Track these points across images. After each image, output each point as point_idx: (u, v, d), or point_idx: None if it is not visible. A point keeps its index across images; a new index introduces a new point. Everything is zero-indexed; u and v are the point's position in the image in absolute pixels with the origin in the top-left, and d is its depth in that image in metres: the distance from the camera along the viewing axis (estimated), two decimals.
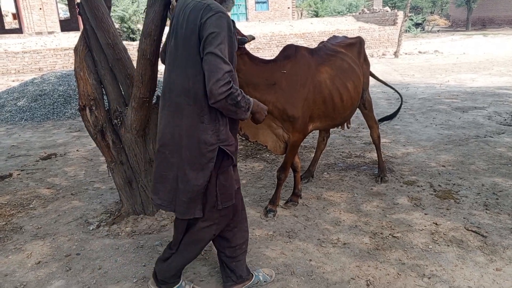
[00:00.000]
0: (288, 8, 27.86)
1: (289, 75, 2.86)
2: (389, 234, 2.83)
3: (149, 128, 3.17)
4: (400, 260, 2.53)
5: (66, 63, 13.83)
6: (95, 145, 5.49)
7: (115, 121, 3.07)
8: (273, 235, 2.92)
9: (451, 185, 3.61)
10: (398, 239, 2.77)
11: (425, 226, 2.92)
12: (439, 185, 3.62)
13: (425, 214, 3.10)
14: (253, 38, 2.90)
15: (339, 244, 2.76)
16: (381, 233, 2.84)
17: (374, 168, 4.10)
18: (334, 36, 3.65)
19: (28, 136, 6.01)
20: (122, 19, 16.18)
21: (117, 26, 16.85)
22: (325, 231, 2.93)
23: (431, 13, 42.86)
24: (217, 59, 1.77)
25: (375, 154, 4.45)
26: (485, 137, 4.96)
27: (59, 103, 7.40)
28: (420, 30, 29.44)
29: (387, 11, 20.05)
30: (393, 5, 37.18)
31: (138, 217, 3.26)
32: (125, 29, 16.25)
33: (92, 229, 3.14)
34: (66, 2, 29.42)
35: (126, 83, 3.02)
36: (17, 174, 4.42)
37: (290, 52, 2.99)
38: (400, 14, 18.96)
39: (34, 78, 8.97)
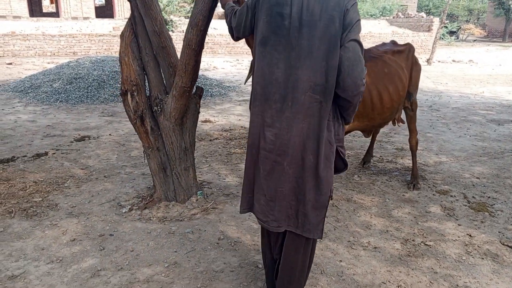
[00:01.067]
0: None
1: None
2: (421, 242, 2.79)
3: (187, 117, 3.22)
4: (432, 268, 2.49)
5: (100, 49, 14.12)
6: (127, 130, 5.65)
7: (155, 108, 3.12)
8: None
9: (485, 197, 3.53)
10: (430, 247, 2.73)
11: (458, 237, 2.87)
12: (473, 197, 3.54)
13: (458, 225, 3.04)
14: None
15: (369, 247, 2.73)
16: (413, 240, 2.80)
17: (406, 174, 4.04)
18: (383, 43, 3.67)
19: (62, 117, 6.18)
20: None
21: None
22: (355, 234, 2.91)
23: (467, 21, 41.82)
24: (359, 47, 1.68)
25: (407, 160, 4.41)
26: None
27: (93, 87, 7.57)
28: (455, 39, 28.75)
29: (423, 17, 19.66)
30: (427, 11, 36.42)
31: (169, 204, 3.31)
32: None
33: (125, 212, 3.21)
34: None
35: (168, 72, 3.07)
36: (53, 153, 4.55)
37: None
38: (436, 20, 18.56)
39: (70, 61, 9.21)
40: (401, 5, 31.74)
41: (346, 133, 3.20)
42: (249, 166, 1.91)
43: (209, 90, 8.36)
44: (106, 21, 18.38)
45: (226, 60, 15.18)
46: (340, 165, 1.91)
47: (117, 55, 13.31)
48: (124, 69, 3.03)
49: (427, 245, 2.76)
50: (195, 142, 3.42)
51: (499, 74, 12.65)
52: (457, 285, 2.34)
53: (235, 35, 2.00)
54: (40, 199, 3.39)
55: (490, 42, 29.09)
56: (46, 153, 4.54)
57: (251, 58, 11.71)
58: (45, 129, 5.55)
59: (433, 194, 3.59)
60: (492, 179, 3.95)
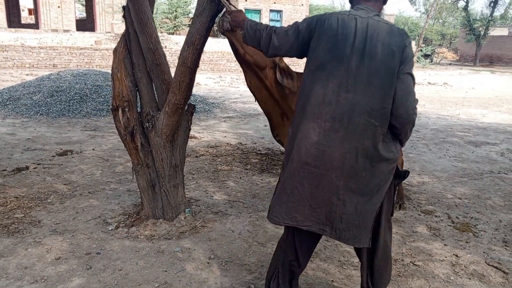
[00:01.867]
0: None
1: None
2: (410, 262, 2.83)
3: (178, 134, 3.20)
4: None
5: (81, 63, 13.95)
6: (110, 145, 5.57)
7: (147, 124, 3.10)
8: None
9: (468, 218, 3.62)
10: (419, 267, 2.77)
11: (445, 257, 2.92)
12: (456, 217, 3.63)
13: (444, 245, 3.11)
14: None
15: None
16: (402, 260, 2.84)
17: None
18: None
19: (43, 131, 6.03)
20: None
21: None
22: (345, 253, 2.93)
23: (440, 45, 43.49)
24: (412, 80, 1.89)
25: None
26: (499, 173, 4.99)
27: (74, 101, 7.45)
28: (429, 62, 29.79)
29: None
30: None
31: (157, 222, 3.25)
32: None
33: (111, 229, 3.13)
34: (83, 3, 29.83)
35: (161, 88, 3.06)
36: (34, 168, 4.43)
37: None
38: (412, 43, 19.18)
39: (51, 73, 9.06)
40: None
41: None
42: (287, 180, 2.01)
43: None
44: (87, 34, 18.22)
45: (209, 76, 15.23)
46: (401, 174, 2.07)
47: (99, 69, 13.21)
48: (116, 84, 3.01)
49: (416, 265, 2.80)
50: None
51: (473, 97, 13.14)
52: None
53: (273, 53, 2.12)
54: (22, 215, 3.28)
55: (462, 66, 30.28)
56: (27, 168, 4.42)
57: (233, 75, 11.79)
58: (25, 142, 5.41)
59: (419, 214, 3.66)
60: (474, 199, 4.07)
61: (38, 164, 4.54)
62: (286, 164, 2.03)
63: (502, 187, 4.45)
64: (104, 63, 14.26)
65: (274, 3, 27.64)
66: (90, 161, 4.79)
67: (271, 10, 27.10)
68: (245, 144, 5.88)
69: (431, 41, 41.12)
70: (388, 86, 1.84)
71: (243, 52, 2.74)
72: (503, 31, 36.90)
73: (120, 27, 20.32)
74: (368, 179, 1.90)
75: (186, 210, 3.41)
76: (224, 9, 2.65)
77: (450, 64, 32.29)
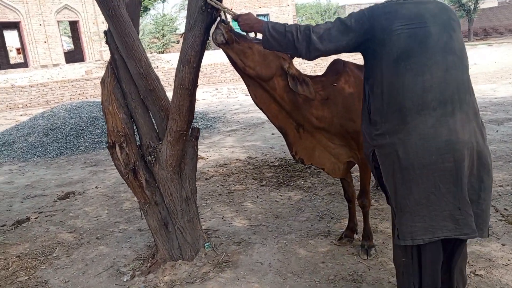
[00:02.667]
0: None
1: (342, 89, 2.64)
2: (471, 272, 2.46)
3: (185, 163, 2.87)
4: None
5: (74, 95, 13.69)
6: (114, 180, 5.24)
7: (149, 158, 2.76)
8: (334, 279, 2.56)
9: None
10: (482, 277, 2.40)
11: (508, 260, 2.55)
12: (505, 209, 3.26)
13: (502, 245, 2.74)
14: None
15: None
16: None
17: None
18: None
19: (42, 174, 5.71)
20: None
21: None
22: (394, 272, 2.56)
23: None
24: None
25: None
26: None
27: (71, 137, 7.14)
28: None
29: None
30: None
31: (175, 264, 2.90)
32: None
33: (127, 280, 2.79)
34: (70, 34, 29.76)
35: (159, 116, 2.73)
36: (35, 218, 4.09)
37: (338, 66, 2.75)
38: None
39: (44, 112, 8.78)
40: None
41: None
42: (412, 192, 1.78)
43: (194, 123, 8.03)
44: (77, 65, 18.01)
45: (205, 90, 14.92)
46: None
47: (92, 99, 12.94)
48: (109, 119, 2.68)
49: (478, 275, 2.43)
50: None
51: (478, 72, 12.77)
52: None
53: (316, 55, 1.92)
54: (26, 277, 2.94)
55: None
56: (28, 219, 4.08)
57: (230, 85, 11.43)
58: (24, 189, 5.08)
59: None
60: None
61: (39, 213, 4.21)
62: (398, 176, 1.79)
63: None
64: (98, 92, 13.98)
65: (260, 7, 27.43)
66: (94, 201, 4.45)
67: (257, 15, 26.88)
68: (256, 158, 5.53)
69: None
70: (466, 58, 1.81)
71: (243, 65, 2.40)
72: (493, 3, 36.50)
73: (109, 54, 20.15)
74: (490, 161, 1.81)
75: (206, 245, 3.06)
76: (218, 19, 2.33)
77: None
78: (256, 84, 2.53)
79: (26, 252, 3.34)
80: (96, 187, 4.92)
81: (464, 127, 1.71)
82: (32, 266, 3.09)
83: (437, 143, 1.70)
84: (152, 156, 2.76)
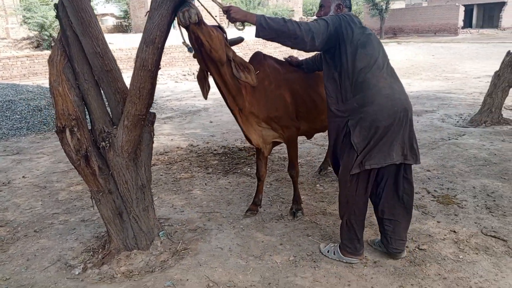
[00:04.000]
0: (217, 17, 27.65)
1: (262, 77, 2.95)
2: (416, 247, 2.72)
3: (141, 149, 2.75)
4: (439, 274, 2.42)
5: None
6: (43, 169, 4.81)
7: (102, 143, 2.59)
8: (295, 259, 2.66)
9: (445, 189, 3.65)
10: (426, 251, 2.67)
11: (445, 235, 2.86)
12: (434, 190, 3.63)
13: (437, 222, 3.06)
14: (242, 39, 2.93)
15: (369, 263, 2.58)
16: (407, 247, 2.71)
17: None
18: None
19: None
20: (42, 27, 14.69)
21: (35, 34, 15.30)
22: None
23: None
24: None
25: None
26: (449, 139, 5.17)
27: None
28: None
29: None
30: (311, 14, 38.83)
31: (130, 253, 2.79)
32: (46, 37, 14.77)
33: (79, 273, 2.62)
34: None
35: (115, 99, 2.58)
36: None
37: (259, 58, 3.10)
38: None
39: None
40: (290, 10, 33.29)
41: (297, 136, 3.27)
42: (380, 133, 2.39)
43: None
44: None
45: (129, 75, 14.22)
46: None
47: (6, 81, 11.61)
48: (58, 101, 2.45)
49: (421, 249, 2.69)
50: None
51: (395, 68, 13.80)
52: (471, 287, 2.29)
53: (313, 49, 2.36)
54: None
55: None
56: None
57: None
58: None
59: None
60: (441, 170, 4.13)
61: None
62: (370, 127, 2.36)
63: (460, 152, 4.60)
64: (7, 74, 12.59)
65: None
66: (24, 192, 4.06)
67: None
68: (198, 145, 5.46)
69: None
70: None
71: (209, 47, 2.50)
72: (401, 4, 39.64)
73: (17, 32, 18.19)
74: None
75: (160, 233, 2.98)
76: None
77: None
78: (215, 69, 2.69)
79: None
80: (23, 176, 4.48)
81: (404, 90, 2.40)
82: None
83: (393, 99, 2.29)
84: (106, 142, 2.60)
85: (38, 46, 15.16)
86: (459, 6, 30.16)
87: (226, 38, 2.61)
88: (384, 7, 34.04)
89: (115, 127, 2.62)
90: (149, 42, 2.29)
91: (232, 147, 5.29)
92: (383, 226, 2.60)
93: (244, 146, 5.27)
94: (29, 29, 15.64)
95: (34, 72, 12.66)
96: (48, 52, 13.54)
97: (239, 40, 2.84)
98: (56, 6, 2.36)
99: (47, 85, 11.27)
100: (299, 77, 3.14)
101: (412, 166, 2.53)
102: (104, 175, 2.65)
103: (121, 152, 2.61)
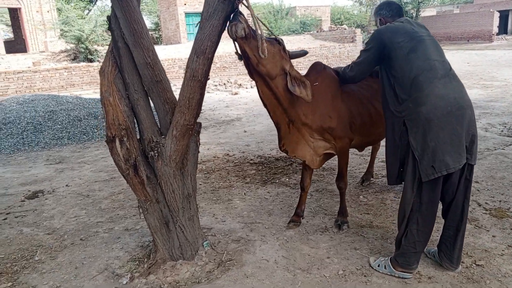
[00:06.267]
0: None
1: (320, 88, 2.92)
2: (472, 263, 2.59)
3: (187, 159, 2.75)
4: None
5: (20, 87, 12.72)
6: (85, 178, 4.92)
7: (151, 153, 2.61)
8: (344, 274, 2.58)
9: (497, 202, 3.48)
10: (483, 267, 2.53)
11: (502, 250, 2.72)
12: (486, 203, 3.47)
13: (493, 236, 2.91)
14: (306, 53, 2.98)
15: (424, 279, 2.47)
16: (463, 262, 2.59)
17: None
18: None
19: (0, 172, 5.24)
20: (79, 40, 15.26)
21: (72, 46, 15.89)
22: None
23: (370, 31, 45.05)
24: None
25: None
26: (495, 149, 4.96)
27: (29, 132, 6.62)
28: None
29: (345, 29, 20.65)
30: (340, 23, 38.61)
31: (176, 264, 2.78)
32: (83, 50, 15.32)
33: (126, 282, 2.63)
34: (8, 22, 27.65)
35: (164, 109, 2.59)
36: (3, 219, 3.74)
37: (319, 68, 3.08)
38: (358, 31, 19.59)
39: None
40: (318, 19, 33.24)
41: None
42: (439, 134, 2.34)
43: None
44: (20, 56, 16.74)
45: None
46: None
47: (41, 92, 12.08)
48: (109, 111, 2.50)
49: (479, 265, 2.56)
50: None
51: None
52: None
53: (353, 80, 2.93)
54: (9, 283, 2.67)
55: None
56: None
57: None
58: None
59: None
60: (490, 181, 3.95)
61: (7, 214, 3.85)
62: (426, 128, 2.32)
63: (509, 163, 4.39)
64: (47, 85, 13.12)
65: None
66: (68, 200, 4.16)
67: None
68: (234, 155, 5.46)
69: (366, 27, 42.49)
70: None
71: (256, 62, 2.56)
72: (432, 12, 38.92)
73: (55, 45, 18.92)
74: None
75: (205, 243, 2.97)
76: (236, 10, 2.28)
77: None
78: (263, 82, 2.71)
79: (2, 256, 3.04)
80: (66, 185, 4.60)
81: (461, 90, 2.35)
82: (13, 271, 2.82)
83: (448, 99, 2.27)
84: (155, 151, 2.62)
85: (75, 59, 15.72)
86: (493, 12, 29.28)
87: (284, 50, 2.61)
88: (414, 14, 33.54)
89: (163, 137, 2.63)
90: (200, 53, 2.30)
91: (268, 157, 5.25)
92: (442, 234, 2.52)
93: (281, 156, 5.23)
94: (66, 42, 16.26)
95: (72, 83, 13.12)
96: (85, 64, 14.04)
97: (302, 53, 2.86)
98: (108, 18, 2.41)
99: (85, 96, 11.65)
100: (357, 90, 3.11)
101: None
102: (152, 185, 2.66)
103: (169, 162, 2.62)
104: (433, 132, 2.28)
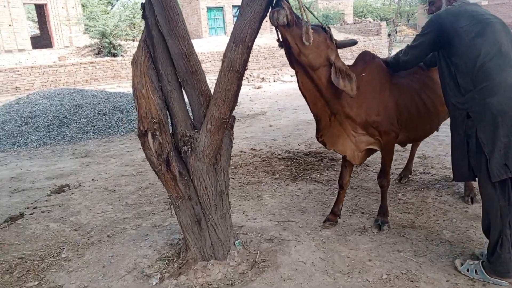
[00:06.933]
0: (266, 21, 27.68)
1: (368, 78, 2.72)
2: None
3: (221, 154, 2.61)
4: None
5: (46, 82, 12.89)
6: (112, 172, 4.85)
7: (184, 147, 2.48)
8: (388, 278, 2.40)
9: None
10: None
11: None
12: None
13: None
14: (356, 43, 2.74)
15: (478, 285, 2.26)
16: None
17: (451, 185, 3.66)
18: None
19: (27, 165, 5.23)
20: (103, 34, 15.34)
21: (96, 41, 16.01)
22: (447, 268, 2.43)
23: (398, 24, 44.02)
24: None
25: (441, 169, 4.07)
26: None
27: (54, 126, 6.63)
28: (394, 40, 29.98)
29: (370, 22, 20.16)
30: (362, 15, 37.84)
31: (207, 264, 2.65)
32: (107, 45, 15.41)
33: (156, 283, 2.51)
34: (35, 19, 28.17)
35: (198, 101, 2.45)
36: (30, 214, 3.69)
37: (367, 58, 2.86)
38: (383, 24, 19.11)
39: (19, 98, 8.15)
40: (340, 13, 32.68)
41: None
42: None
43: None
44: (46, 51, 16.99)
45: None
46: None
47: (66, 86, 12.20)
48: (141, 103, 2.37)
49: None
50: None
51: None
52: None
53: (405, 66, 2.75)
54: (36, 282, 2.59)
55: None
56: (21, 215, 3.68)
57: (210, 76, 11.03)
58: (10, 182, 4.62)
59: None
60: None
61: (34, 208, 3.80)
62: (496, 122, 2.08)
63: None
64: (71, 79, 13.26)
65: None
66: (94, 195, 4.09)
67: (233, 6, 26.40)
68: (261, 150, 5.31)
69: (391, 20, 41.58)
70: None
71: (298, 51, 2.38)
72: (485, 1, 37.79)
73: (80, 40, 19.14)
74: None
75: (236, 242, 2.83)
76: None
77: None
78: (304, 72, 2.53)
79: (29, 253, 2.97)
80: (92, 179, 4.54)
81: None
82: (40, 269, 2.74)
83: None
84: (188, 146, 2.48)
85: (99, 53, 15.83)
86: None
87: (331, 39, 2.43)
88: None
89: (196, 130, 2.50)
90: (239, 41, 2.14)
91: (297, 152, 5.08)
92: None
93: (310, 151, 5.05)
94: (90, 37, 16.38)
95: (96, 77, 13.22)
96: (108, 58, 14.13)
97: (352, 43, 2.65)
98: (142, 5, 2.28)
99: (110, 90, 11.70)
100: (405, 82, 2.90)
101: None
102: (185, 181, 2.53)
103: (202, 157, 2.48)
104: (506, 126, 2.07)
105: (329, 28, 2.46)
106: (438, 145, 4.96)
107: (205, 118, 2.43)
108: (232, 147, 2.71)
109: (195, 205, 2.60)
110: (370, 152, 2.96)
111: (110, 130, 6.60)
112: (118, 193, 4.11)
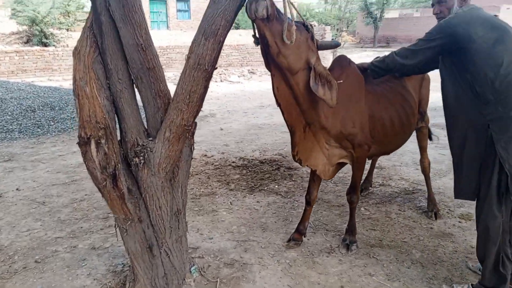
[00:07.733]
0: None
1: (345, 86, 2.44)
2: None
3: (179, 167, 2.23)
4: None
5: None
6: (41, 180, 4.20)
7: (135, 159, 2.07)
8: None
9: None
10: None
11: None
12: None
13: None
14: (338, 45, 2.55)
15: None
16: None
17: (412, 199, 3.57)
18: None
19: None
20: (33, 21, 13.92)
21: (25, 28, 14.52)
22: None
23: (338, 30, 45.56)
24: None
25: (400, 181, 4.01)
26: None
27: None
28: None
29: (315, 25, 20.42)
30: (306, 19, 38.51)
31: None
32: (37, 33, 13.99)
33: None
34: None
35: (155, 104, 2.06)
36: None
37: (344, 63, 2.61)
38: (328, 29, 19.48)
39: None
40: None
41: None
42: None
43: None
44: None
45: None
46: None
47: None
48: (84, 104, 1.93)
49: None
50: None
51: None
52: None
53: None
54: None
55: (365, 48, 31.92)
56: None
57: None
58: None
59: (459, 221, 3.16)
60: None
61: None
62: None
63: None
64: None
65: None
66: (19, 208, 3.47)
67: (178, 0, 25.55)
68: (213, 156, 4.94)
69: (333, 26, 42.91)
70: None
71: (277, 51, 2.06)
72: (395, 14, 39.92)
73: (5, 26, 17.29)
74: None
75: (192, 269, 2.48)
76: None
77: (362, 47, 33.85)
78: (281, 76, 2.22)
79: None
80: (17, 189, 3.88)
81: None
82: None
83: None
84: (140, 158, 2.07)
85: (27, 42, 14.35)
86: None
87: (312, 39, 2.14)
88: (378, 15, 34.16)
89: (151, 139, 2.10)
90: (210, 34, 1.79)
91: (252, 159, 4.78)
92: None
93: (265, 158, 4.78)
94: (18, 23, 14.83)
95: (23, 68, 11.95)
96: (39, 48, 12.86)
97: (334, 45, 2.41)
98: None
99: (40, 83, 10.56)
100: (380, 91, 2.70)
101: None
102: (134, 199, 2.12)
103: (157, 171, 2.09)
104: None
105: (311, 26, 2.18)
106: (392, 155, 4.91)
107: (162, 124, 2.05)
108: (192, 158, 2.33)
109: (146, 228, 2.19)
110: (340, 166, 2.74)
111: (39, 130, 5.83)
112: (49, 206, 3.53)
